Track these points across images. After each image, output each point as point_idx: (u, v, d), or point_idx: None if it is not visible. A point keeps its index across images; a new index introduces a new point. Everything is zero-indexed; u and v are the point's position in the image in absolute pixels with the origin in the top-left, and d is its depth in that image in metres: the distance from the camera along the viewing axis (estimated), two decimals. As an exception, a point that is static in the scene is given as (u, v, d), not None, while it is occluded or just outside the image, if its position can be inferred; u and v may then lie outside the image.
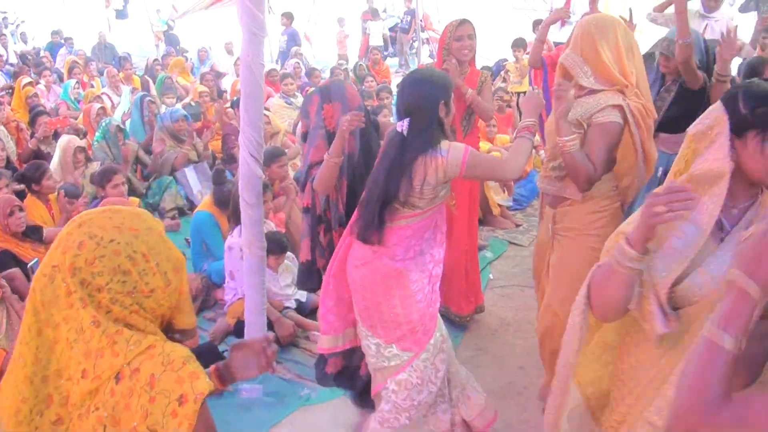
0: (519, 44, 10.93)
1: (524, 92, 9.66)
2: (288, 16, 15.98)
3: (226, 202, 5.17)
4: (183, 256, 1.75)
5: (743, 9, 10.39)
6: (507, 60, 11.16)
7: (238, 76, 11.90)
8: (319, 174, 3.66)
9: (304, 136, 3.95)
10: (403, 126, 3.04)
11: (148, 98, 9.08)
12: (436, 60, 4.84)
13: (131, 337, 1.57)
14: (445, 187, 3.09)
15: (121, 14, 20.84)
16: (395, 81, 13.32)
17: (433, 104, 3.02)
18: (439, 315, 3.42)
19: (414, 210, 3.07)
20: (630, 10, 5.94)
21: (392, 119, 8.41)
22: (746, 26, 10.78)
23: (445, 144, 3.00)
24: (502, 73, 10.78)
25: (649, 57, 4.51)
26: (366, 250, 3.19)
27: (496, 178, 3.67)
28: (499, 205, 7.01)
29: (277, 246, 4.82)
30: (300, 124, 4.11)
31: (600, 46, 3.27)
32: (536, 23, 12.94)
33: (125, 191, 5.89)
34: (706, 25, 7.84)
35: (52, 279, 1.57)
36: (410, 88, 3.11)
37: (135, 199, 5.94)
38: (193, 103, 9.17)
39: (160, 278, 1.64)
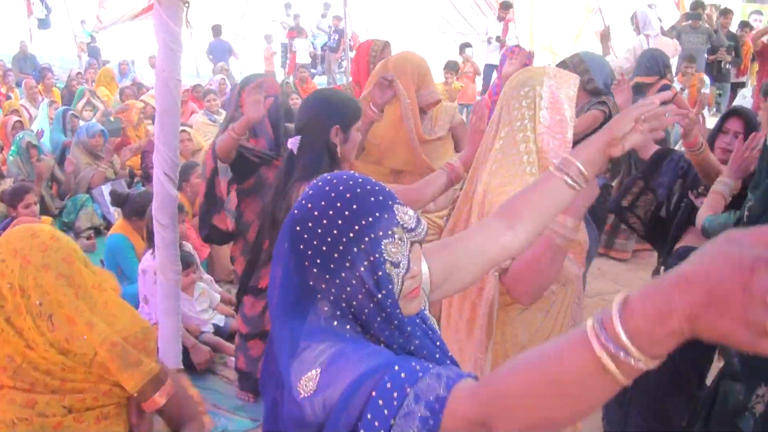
0: (451, 67, 10.88)
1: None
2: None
3: (138, 212, 4.97)
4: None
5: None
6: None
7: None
8: (220, 142, 3.64)
9: (225, 125, 3.88)
10: (294, 144, 2.85)
11: (70, 112, 8.75)
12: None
13: None
14: None
15: (43, 24, 20.10)
16: (323, 100, 13.22)
17: (324, 126, 2.82)
18: None
19: None
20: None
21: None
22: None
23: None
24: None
25: None
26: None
27: None
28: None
29: (181, 262, 4.52)
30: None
31: None
32: (463, 46, 13.08)
33: (37, 211, 5.59)
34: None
35: None
36: (306, 105, 2.98)
37: (47, 219, 5.64)
38: (112, 119, 8.84)
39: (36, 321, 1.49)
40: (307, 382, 1.19)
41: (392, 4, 18.29)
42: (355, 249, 1.25)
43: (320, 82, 17.06)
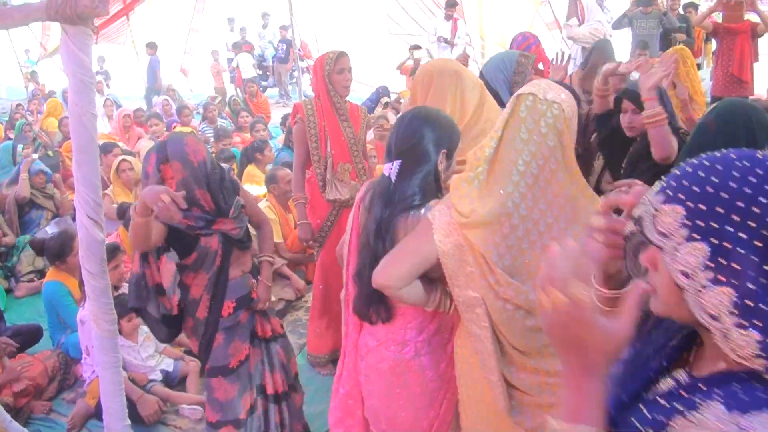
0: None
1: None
2: (151, 46, 15.50)
3: (57, 255, 4.70)
4: None
5: (616, 25, 10.51)
6: (386, 87, 10.80)
7: (107, 117, 11.24)
8: (131, 233, 3.09)
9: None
10: (391, 169, 2.50)
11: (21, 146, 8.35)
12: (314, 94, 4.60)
13: None
14: None
15: (-14, 56, 19.63)
16: (276, 113, 12.93)
17: (434, 150, 2.49)
18: None
19: None
20: None
21: (274, 152, 8.01)
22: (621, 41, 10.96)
23: (433, 203, 2.44)
24: (383, 100, 10.43)
25: None
26: (371, 337, 2.65)
27: None
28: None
29: (121, 308, 4.16)
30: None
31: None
32: (412, 49, 12.83)
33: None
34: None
35: None
36: (409, 125, 2.56)
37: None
38: (51, 153, 8.42)
39: None
40: None
41: (339, 9, 18.05)
42: None
43: (271, 94, 16.74)
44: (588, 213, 2.02)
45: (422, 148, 2.50)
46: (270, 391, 3.46)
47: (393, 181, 2.51)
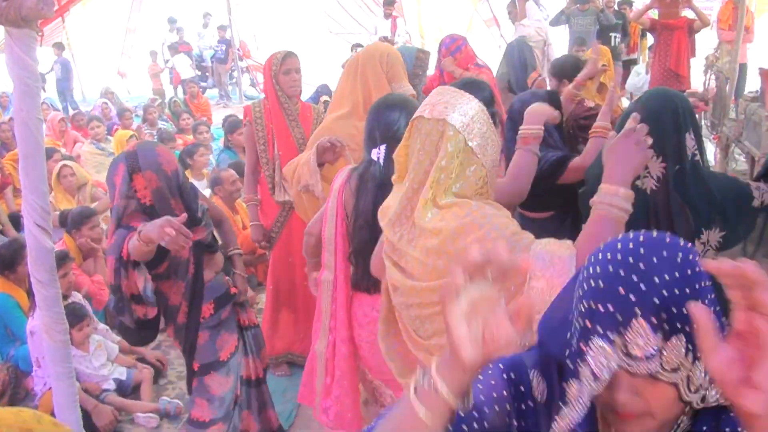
0: None
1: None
2: (58, 46, 15.23)
3: (7, 265, 4.59)
4: None
5: (554, 22, 10.68)
6: (326, 85, 10.77)
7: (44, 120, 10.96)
8: (134, 249, 2.92)
9: (118, 217, 3.15)
10: (379, 154, 2.67)
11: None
12: (262, 94, 4.59)
13: None
14: None
15: None
16: (217, 114, 12.80)
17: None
18: None
19: None
20: None
21: (212, 158, 7.93)
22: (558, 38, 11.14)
23: None
24: (323, 99, 10.38)
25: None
26: (369, 308, 2.82)
27: None
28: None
29: (72, 317, 4.01)
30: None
31: None
32: (354, 47, 12.84)
33: None
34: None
35: None
36: (389, 113, 2.75)
37: None
38: (-14, 160, 8.19)
39: None
40: None
41: (278, 8, 17.94)
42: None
43: (211, 95, 16.55)
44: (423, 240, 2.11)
45: (402, 132, 2.57)
46: (249, 376, 3.51)
47: (382, 164, 2.69)
